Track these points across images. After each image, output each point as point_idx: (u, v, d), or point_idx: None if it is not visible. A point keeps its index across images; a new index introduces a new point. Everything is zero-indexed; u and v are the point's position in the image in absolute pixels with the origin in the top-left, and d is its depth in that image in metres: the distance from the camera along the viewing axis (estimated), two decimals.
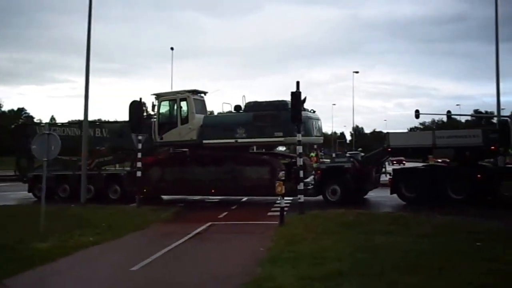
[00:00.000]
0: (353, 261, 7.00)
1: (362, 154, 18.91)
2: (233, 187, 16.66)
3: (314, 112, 17.59)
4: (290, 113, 14.02)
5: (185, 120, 17.23)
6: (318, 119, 17.87)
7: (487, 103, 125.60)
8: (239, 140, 16.46)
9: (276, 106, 16.35)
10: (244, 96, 17.82)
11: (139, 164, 16.09)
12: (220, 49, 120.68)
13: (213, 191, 17.20)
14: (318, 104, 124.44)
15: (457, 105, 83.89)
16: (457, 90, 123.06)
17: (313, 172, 17.94)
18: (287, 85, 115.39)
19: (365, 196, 17.70)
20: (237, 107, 17.45)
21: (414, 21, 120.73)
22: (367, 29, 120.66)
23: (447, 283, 5.84)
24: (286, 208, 12.11)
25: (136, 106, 15.98)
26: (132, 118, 15.95)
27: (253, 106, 16.97)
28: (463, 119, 69.45)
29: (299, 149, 13.70)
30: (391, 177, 17.01)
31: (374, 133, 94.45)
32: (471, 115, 69.58)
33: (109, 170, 20.26)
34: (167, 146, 19.02)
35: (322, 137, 19.08)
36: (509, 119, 17.68)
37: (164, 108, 18.00)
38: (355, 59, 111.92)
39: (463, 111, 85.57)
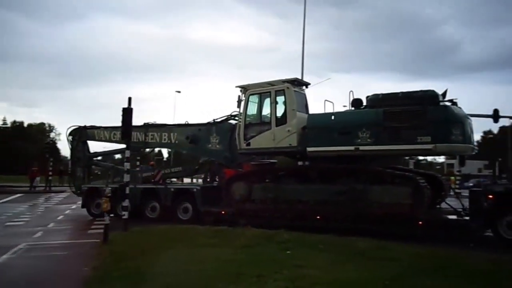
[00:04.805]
0: (181, 274, 7.22)
1: None
2: (351, 213, 12.01)
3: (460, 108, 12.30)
4: (440, 111, 11.05)
5: (282, 120, 13.23)
6: (470, 120, 12.58)
7: None
8: (362, 148, 12.03)
9: (420, 98, 11.73)
10: (351, 91, 13.12)
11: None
12: (36, 55, 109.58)
13: (318, 217, 12.55)
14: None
15: None
16: None
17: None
18: (112, 99, 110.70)
19: None
20: (357, 102, 12.93)
21: (231, 48, 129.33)
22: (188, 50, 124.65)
23: None
24: None
25: None
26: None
27: (382, 100, 12.36)
28: None
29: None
30: None
31: None
32: None
33: (176, 184, 16.49)
34: (255, 154, 14.75)
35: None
36: None
37: (253, 104, 13.91)
38: (176, 78, 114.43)
39: None
